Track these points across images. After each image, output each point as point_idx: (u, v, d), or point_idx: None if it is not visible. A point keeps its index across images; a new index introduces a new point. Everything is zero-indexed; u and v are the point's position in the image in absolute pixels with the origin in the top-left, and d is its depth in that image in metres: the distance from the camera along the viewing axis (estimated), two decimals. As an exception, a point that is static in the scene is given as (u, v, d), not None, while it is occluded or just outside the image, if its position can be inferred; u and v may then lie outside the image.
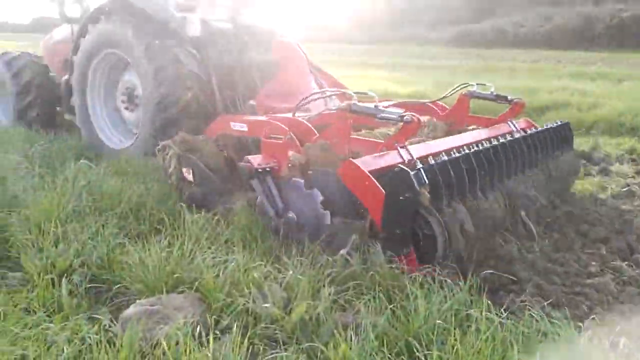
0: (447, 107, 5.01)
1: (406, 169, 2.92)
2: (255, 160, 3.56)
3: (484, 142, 3.68)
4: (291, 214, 3.39)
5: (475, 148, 3.49)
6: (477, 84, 4.86)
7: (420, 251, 2.95)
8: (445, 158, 3.20)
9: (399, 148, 3.32)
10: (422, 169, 2.96)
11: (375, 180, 3.00)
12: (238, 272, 2.80)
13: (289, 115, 3.91)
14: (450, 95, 4.87)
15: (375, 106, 3.41)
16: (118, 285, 2.84)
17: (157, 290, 2.72)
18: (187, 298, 2.61)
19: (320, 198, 3.26)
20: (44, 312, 2.56)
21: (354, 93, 3.54)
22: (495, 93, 4.80)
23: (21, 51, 6.95)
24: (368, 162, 3.14)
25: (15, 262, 3.11)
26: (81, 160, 4.39)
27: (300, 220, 3.36)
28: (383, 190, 2.95)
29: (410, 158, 3.27)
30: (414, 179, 2.88)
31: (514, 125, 4.55)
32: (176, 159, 4.13)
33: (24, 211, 3.55)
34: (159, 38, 5.01)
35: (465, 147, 3.44)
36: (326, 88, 4.98)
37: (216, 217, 3.64)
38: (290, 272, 2.81)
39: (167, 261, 2.86)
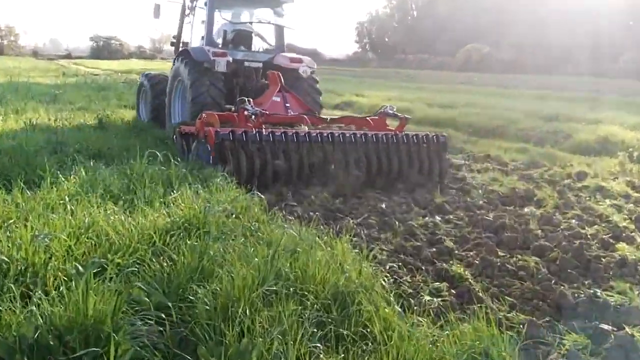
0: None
1: (219, 131, 7.16)
2: (185, 128, 8.36)
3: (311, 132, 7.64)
4: (194, 157, 7.55)
5: (289, 133, 7.47)
6: (389, 106, 8.83)
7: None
8: (252, 132, 7.27)
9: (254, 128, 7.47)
10: (230, 133, 7.15)
11: (214, 137, 7.11)
12: None
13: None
14: (378, 112, 8.98)
15: (250, 110, 7.71)
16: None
17: None
18: None
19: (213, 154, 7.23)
20: None
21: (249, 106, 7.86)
22: (394, 112, 8.63)
23: (159, 72, 12.75)
24: (216, 130, 7.21)
25: (194, 351, 3.01)
26: (286, 227, 4.29)
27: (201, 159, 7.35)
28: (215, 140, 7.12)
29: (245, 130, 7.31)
30: (221, 136, 7.07)
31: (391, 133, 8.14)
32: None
33: (215, 284, 3.50)
34: (198, 74, 9.47)
35: (286, 133, 7.46)
36: (287, 104, 9.14)
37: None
38: None
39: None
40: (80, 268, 3.51)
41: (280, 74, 9.52)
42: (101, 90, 20.88)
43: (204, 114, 7.93)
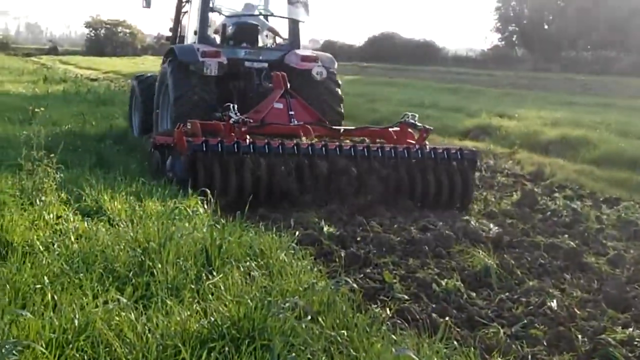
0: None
1: (191, 141, 10.01)
2: (160, 139, 11.46)
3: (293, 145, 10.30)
4: (169, 173, 10.49)
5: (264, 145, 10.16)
6: (410, 114, 11.52)
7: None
8: (226, 144, 9.94)
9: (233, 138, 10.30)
10: (203, 143, 9.86)
11: (185, 145, 9.99)
12: None
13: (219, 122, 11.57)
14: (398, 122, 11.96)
15: (234, 117, 10.46)
16: None
17: None
18: None
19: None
20: None
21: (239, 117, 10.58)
22: (414, 122, 11.32)
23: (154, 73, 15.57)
24: (188, 140, 10.06)
25: None
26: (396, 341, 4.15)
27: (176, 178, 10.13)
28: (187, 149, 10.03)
29: (221, 140, 10.09)
30: (192, 146, 9.86)
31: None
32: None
33: None
34: (181, 79, 11.99)
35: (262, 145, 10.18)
36: (290, 112, 11.59)
37: None
38: None
39: None
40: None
41: (285, 75, 12.01)
42: (101, 105, 21.60)
43: (187, 123, 10.61)
